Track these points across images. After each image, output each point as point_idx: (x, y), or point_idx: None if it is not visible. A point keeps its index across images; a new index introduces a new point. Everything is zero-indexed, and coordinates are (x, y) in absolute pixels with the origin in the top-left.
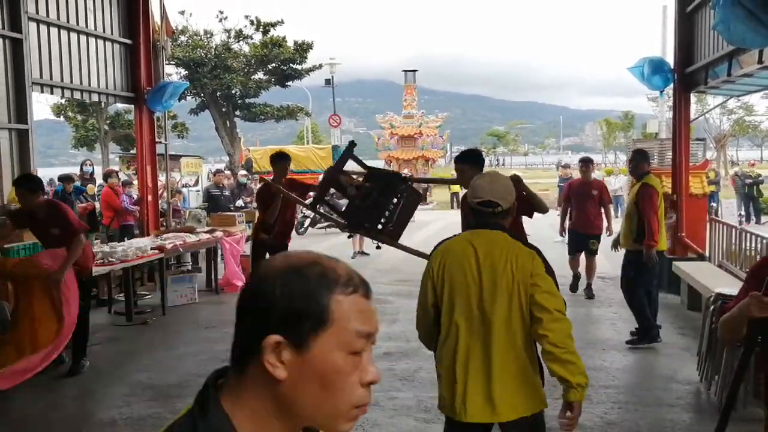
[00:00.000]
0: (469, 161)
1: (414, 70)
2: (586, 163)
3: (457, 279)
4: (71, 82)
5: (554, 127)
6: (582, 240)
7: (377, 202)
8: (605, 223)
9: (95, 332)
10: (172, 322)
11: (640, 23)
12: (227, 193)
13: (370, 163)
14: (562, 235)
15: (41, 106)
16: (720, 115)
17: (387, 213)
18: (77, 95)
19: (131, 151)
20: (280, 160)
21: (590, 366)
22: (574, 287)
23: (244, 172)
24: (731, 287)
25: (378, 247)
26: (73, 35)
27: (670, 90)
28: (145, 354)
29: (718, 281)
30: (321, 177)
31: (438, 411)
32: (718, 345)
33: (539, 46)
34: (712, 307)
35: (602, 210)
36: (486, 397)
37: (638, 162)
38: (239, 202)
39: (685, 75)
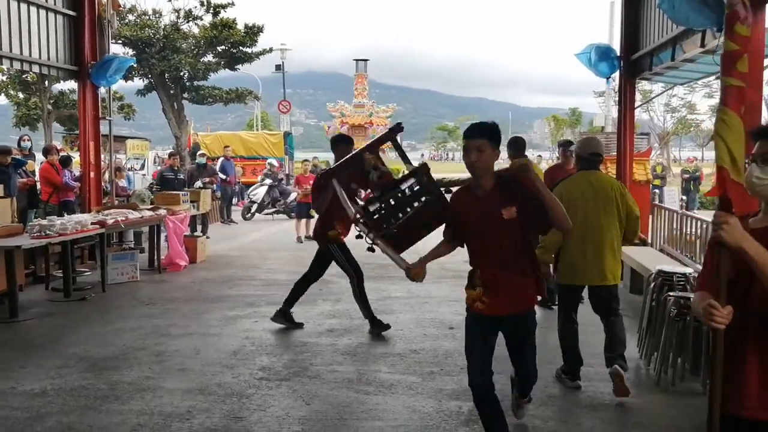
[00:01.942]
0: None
1: (365, 60)
2: (566, 147)
3: (578, 197)
4: (10, 51)
5: (503, 124)
6: None
7: (399, 202)
8: None
9: (28, 307)
10: (111, 299)
11: (588, 23)
12: (181, 176)
13: (319, 153)
14: None
15: None
16: (664, 113)
17: (400, 215)
18: (17, 65)
19: (76, 131)
20: (341, 143)
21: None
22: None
23: (202, 151)
24: (672, 266)
25: (371, 249)
26: (13, 3)
27: (616, 79)
28: (82, 328)
29: (660, 263)
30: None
31: (379, 384)
32: (657, 323)
33: (490, 43)
34: (653, 284)
35: None
36: (598, 268)
37: (515, 150)
38: (198, 183)
39: (630, 62)
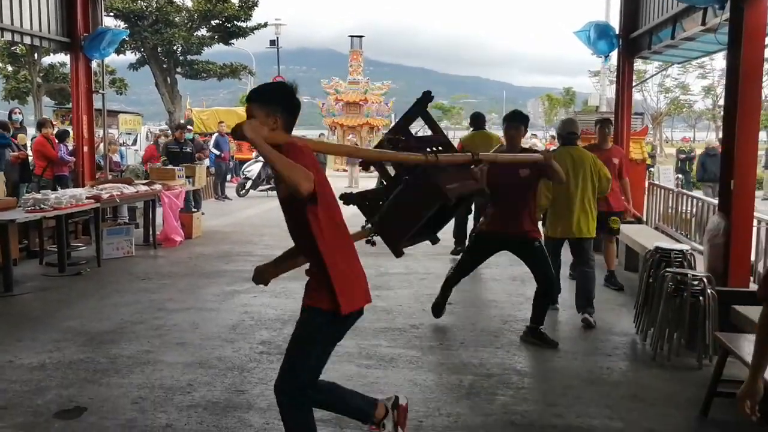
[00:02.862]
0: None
1: (361, 36)
2: (606, 125)
3: (562, 168)
4: (1, 21)
5: (497, 103)
6: (600, 218)
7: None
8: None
9: (23, 282)
10: (107, 273)
11: (585, 2)
12: (188, 149)
13: (314, 131)
14: None
15: None
16: (657, 94)
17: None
18: (7, 36)
19: (66, 105)
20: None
21: (524, 319)
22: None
23: (190, 127)
24: (669, 243)
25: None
26: None
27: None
28: (78, 302)
29: (656, 241)
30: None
31: (379, 358)
32: (654, 298)
33: (484, 20)
34: (650, 261)
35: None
36: (576, 224)
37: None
38: None
39: (629, 40)
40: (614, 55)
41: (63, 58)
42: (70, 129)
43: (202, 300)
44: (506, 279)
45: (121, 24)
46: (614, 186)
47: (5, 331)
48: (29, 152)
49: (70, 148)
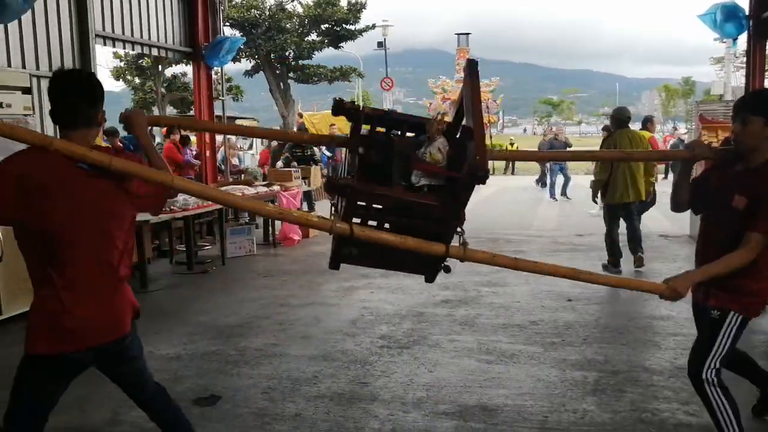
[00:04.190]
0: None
1: (467, 33)
2: None
3: (623, 146)
4: (132, 35)
5: (609, 96)
6: None
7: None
8: None
9: (156, 279)
10: (231, 271)
11: None
12: (309, 152)
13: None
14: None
15: (99, 70)
16: None
17: None
18: (137, 49)
19: (188, 113)
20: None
21: (657, 315)
22: None
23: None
24: None
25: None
26: None
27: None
28: (207, 298)
29: None
30: None
31: (500, 353)
32: None
33: (593, 9)
34: None
35: None
36: (631, 191)
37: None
38: (279, 164)
39: (761, 20)
40: (742, 38)
41: (182, 68)
42: (192, 135)
43: (322, 296)
44: (629, 275)
45: (237, 33)
46: None
47: (144, 324)
48: None
49: (194, 152)
